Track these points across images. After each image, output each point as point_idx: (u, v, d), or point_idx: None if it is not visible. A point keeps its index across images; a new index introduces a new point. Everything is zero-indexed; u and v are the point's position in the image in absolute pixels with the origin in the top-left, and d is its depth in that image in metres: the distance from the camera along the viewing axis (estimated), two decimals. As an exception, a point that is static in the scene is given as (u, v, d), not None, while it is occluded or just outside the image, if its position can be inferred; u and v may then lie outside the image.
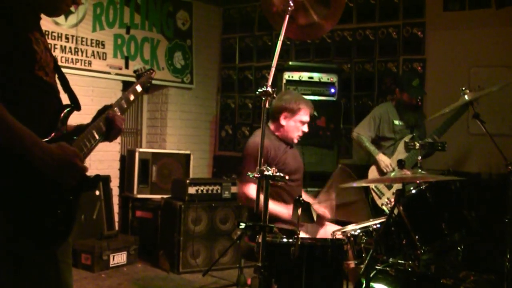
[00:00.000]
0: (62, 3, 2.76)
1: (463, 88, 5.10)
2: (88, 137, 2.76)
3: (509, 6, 7.07)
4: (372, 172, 6.50)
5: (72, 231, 2.65)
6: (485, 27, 7.20)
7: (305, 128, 5.11)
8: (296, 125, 5.04)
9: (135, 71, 3.40)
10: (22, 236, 2.43)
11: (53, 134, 2.57)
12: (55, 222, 2.53)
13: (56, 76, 2.79)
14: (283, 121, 5.06)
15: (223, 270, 7.09)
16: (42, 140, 2.45)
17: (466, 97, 5.08)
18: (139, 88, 3.27)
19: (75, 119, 2.82)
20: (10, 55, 2.46)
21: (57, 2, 2.75)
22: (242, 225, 3.24)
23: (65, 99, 2.80)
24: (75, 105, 2.79)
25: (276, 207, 4.69)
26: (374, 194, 6.39)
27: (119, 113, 2.98)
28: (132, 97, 3.19)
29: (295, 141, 5.13)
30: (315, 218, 4.31)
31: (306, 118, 5.07)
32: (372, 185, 6.38)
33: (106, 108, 2.96)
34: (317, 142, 7.07)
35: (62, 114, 2.67)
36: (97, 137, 2.82)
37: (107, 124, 2.89)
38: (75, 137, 2.70)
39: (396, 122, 6.60)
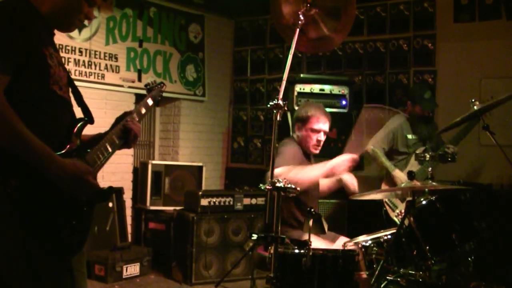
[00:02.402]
0: (75, 19, 2.82)
1: (473, 100, 5.13)
2: (101, 150, 2.82)
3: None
4: (385, 187, 6.48)
5: (87, 241, 2.70)
6: (495, 38, 7.22)
7: (320, 137, 5.02)
8: (308, 133, 4.99)
9: (146, 85, 3.46)
10: (38, 245, 2.49)
11: (67, 147, 2.63)
12: (70, 232, 2.60)
13: (70, 90, 2.85)
14: (297, 132, 5.06)
15: (236, 281, 7.11)
16: (57, 155, 2.52)
17: (476, 108, 5.11)
18: (150, 102, 3.33)
19: (89, 131, 2.89)
20: (25, 70, 2.52)
21: (71, 18, 2.81)
22: (254, 237, 3.27)
23: (78, 113, 2.86)
24: (89, 119, 2.85)
25: (310, 169, 4.63)
26: (387, 207, 6.38)
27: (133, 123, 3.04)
28: (143, 111, 3.25)
29: (313, 151, 5.07)
30: (326, 229, 4.33)
31: (318, 126, 4.98)
32: (385, 199, 6.38)
33: (125, 115, 3.02)
34: (328, 154, 7.07)
35: (76, 128, 2.73)
36: (110, 149, 2.88)
37: (121, 135, 2.95)
38: (88, 150, 2.76)
39: (410, 136, 6.57)
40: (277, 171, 4.58)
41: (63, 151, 2.61)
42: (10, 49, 2.48)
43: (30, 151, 2.43)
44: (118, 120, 3.03)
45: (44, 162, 2.47)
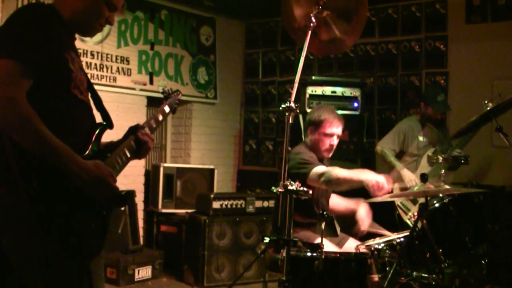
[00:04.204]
0: (96, 23, 2.86)
1: (486, 102, 5.11)
2: (120, 154, 2.86)
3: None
4: (396, 188, 6.47)
5: (105, 244, 2.72)
6: (508, 39, 7.18)
7: (333, 141, 4.98)
8: (321, 138, 4.94)
9: (162, 92, 3.49)
10: (58, 248, 2.50)
11: (88, 151, 2.65)
12: (90, 235, 2.61)
13: (89, 95, 2.88)
14: (310, 136, 5.03)
15: (248, 284, 7.09)
16: (79, 157, 2.53)
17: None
18: (167, 109, 3.38)
19: (106, 135, 2.90)
20: (48, 74, 2.54)
21: (92, 23, 2.85)
22: (267, 239, 3.26)
23: (97, 117, 2.88)
24: (108, 123, 2.87)
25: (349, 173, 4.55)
26: (400, 211, 6.36)
27: (148, 132, 3.07)
28: (160, 117, 3.30)
29: (325, 155, 5.04)
30: (338, 232, 4.33)
31: (331, 130, 4.94)
32: (397, 202, 6.36)
33: (137, 127, 3.05)
34: (340, 156, 7.06)
35: (96, 132, 2.75)
36: (128, 155, 2.92)
37: (137, 143, 2.97)
38: (108, 155, 2.79)
39: (421, 138, 6.57)
40: (318, 169, 4.58)
41: (83, 155, 2.63)
42: (33, 53, 2.51)
43: (52, 153, 2.46)
44: (131, 130, 3.05)
45: (67, 163, 2.49)
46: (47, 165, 2.45)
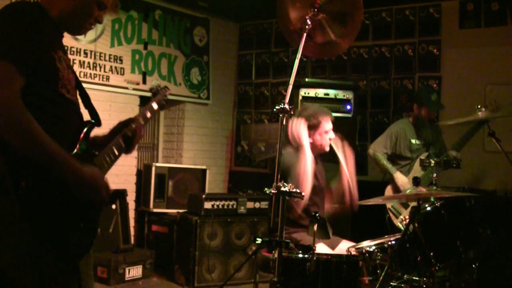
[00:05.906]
0: (86, 22, 2.83)
1: (479, 106, 5.14)
2: (108, 153, 2.85)
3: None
4: (388, 192, 6.46)
5: (93, 243, 2.71)
6: (501, 44, 7.20)
7: (332, 135, 5.05)
8: (322, 136, 5.00)
9: (150, 89, 3.47)
10: (47, 248, 2.49)
11: (76, 150, 2.64)
12: (78, 235, 2.60)
13: (78, 93, 2.86)
14: (309, 139, 5.05)
15: (238, 285, 7.11)
16: (75, 160, 2.52)
17: (480, 114, 5.12)
18: (155, 106, 3.35)
19: (94, 132, 2.89)
20: (35, 73, 2.52)
21: (82, 21, 2.82)
22: (258, 240, 3.27)
23: (85, 115, 2.86)
24: (96, 121, 2.85)
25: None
26: (391, 214, 6.35)
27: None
28: (149, 114, 3.27)
29: (327, 149, 5.11)
30: (331, 234, 4.33)
31: (329, 126, 5.02)
32: (389, 205, 6.36)
33: (124, 124, 3.03)
34: (332, 158, 7.06)
35: (85, 130, 2.73)
36: (116, 153, 2.91)
37: (126, 140, 2.96)
38: (96, 153, 2.78)
39: (413, 141, 6.52)
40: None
41: (71, 153, 2.62)
42: (24, 53, 2.48)
43: (50, 157, 2.44)
44: (122, 124, 3.04)
45: (63, 167, 2.48)
46: (35, 165, 2.43)
